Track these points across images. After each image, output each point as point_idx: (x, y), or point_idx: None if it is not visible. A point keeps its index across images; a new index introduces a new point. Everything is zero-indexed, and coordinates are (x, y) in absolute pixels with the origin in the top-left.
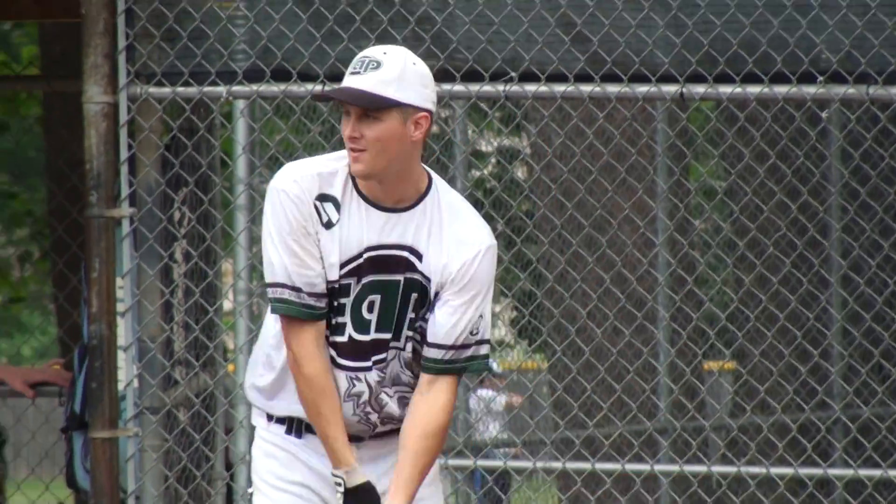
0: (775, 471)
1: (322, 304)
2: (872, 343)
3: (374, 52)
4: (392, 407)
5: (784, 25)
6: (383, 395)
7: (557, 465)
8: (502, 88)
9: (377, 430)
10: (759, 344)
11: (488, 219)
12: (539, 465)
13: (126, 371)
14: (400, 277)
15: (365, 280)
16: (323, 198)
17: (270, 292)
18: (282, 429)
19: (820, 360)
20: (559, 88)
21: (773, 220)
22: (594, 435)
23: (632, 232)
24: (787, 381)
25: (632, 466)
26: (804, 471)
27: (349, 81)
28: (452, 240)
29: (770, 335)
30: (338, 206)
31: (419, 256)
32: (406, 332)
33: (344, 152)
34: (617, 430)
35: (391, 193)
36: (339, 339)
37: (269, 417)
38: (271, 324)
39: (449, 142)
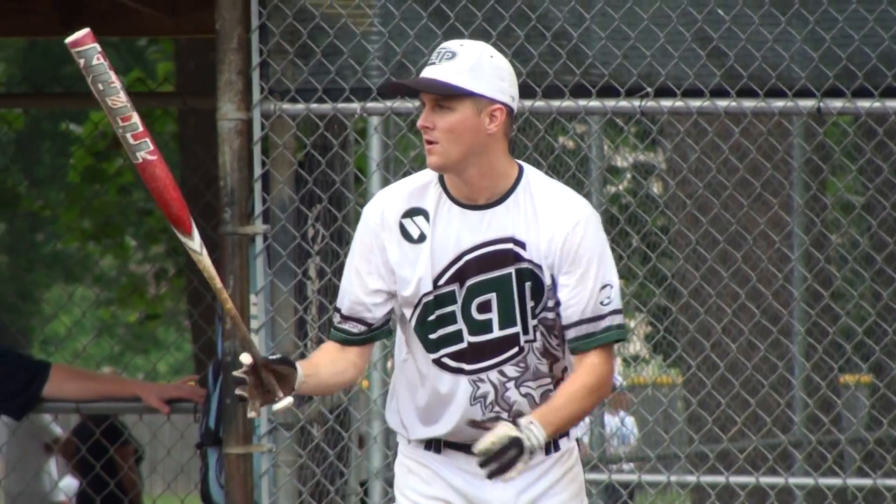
0: None
1: (355, 330)
2: None
3: (451, 43)
4: (522, 404)
5: None
6: (510, 394)
7: (692, 478)
8: (638, 104)
9: None
10: None
11: (623, 234)
12: (673, 478)
13: None
14: (510, 270)
15: (470, 282)
16: (413, 212)
17: (335, 317)
18: (421, 445)
19: None
20: (695, 104)
21: None
22: (729, 449)
23: (767, 247)
24: None
25: (766, 480)
26: None
27: (426, 72)
28: (550, 219)
29: None
30: (428, 218)
31: (522, 245)
32: (531, 323)
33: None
34: (752, 444)
35: (479, 190)
36: (456, 347)
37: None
38: (396, 352)
39: (585, 157)
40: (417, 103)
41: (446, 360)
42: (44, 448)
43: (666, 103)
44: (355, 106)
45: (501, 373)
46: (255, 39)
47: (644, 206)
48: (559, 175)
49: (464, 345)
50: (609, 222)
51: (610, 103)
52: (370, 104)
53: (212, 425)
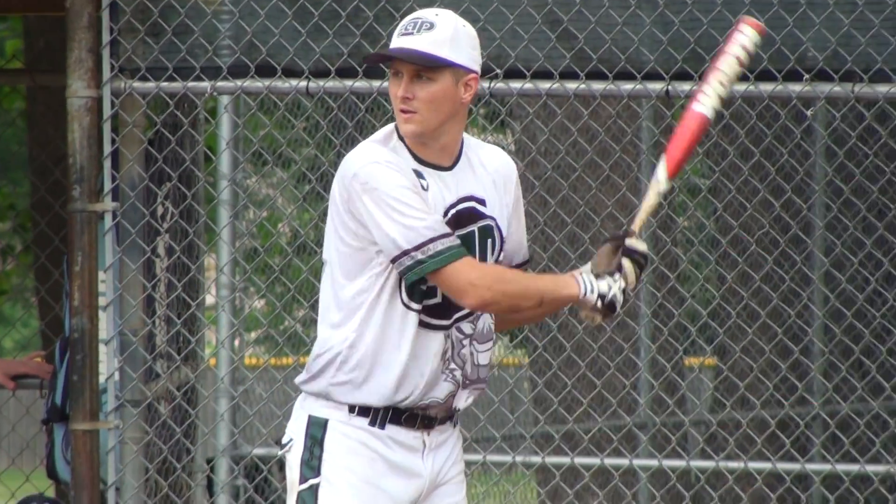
0: (754, 465)
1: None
2: (853, 340)
3: (426, 13)
4: (471, 363)
5: (770, 23)
6: (465, 351)
7: (537, 459)
8: (487, 85)
9: (457, 393)
10: (741, 340)
11: None
12: (519, 459)
13: (107, 364)
14: (473, 228)
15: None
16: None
17: (428, 250)
18: (365, 421)
19: (800, 356)
20: (544, 85)
21: (757, 218)
22: (574, 430)
23: (615, 229)
24: (767, 377)
25: (611, 461)
26: (782, 465)
27: (402, 42)
28: (495, 170)
29: (751, 332)
30: (421, 175)
31: (483, 202)
32: None
33: (383, 133)
34: (597, 426)
35: (448, 154)
36: (432, 301)
37: (352, 409)
38: (345, 325)
39: None
40: (268, 83)
41: (424, 316)
42: None
43: (515, 85)
44: (205, 85)
45: (459, 329)
46: (106, 17)
47: None
48: None
49: (438, 299)
50: None
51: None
52: (220, 83)
53: (58, 401)
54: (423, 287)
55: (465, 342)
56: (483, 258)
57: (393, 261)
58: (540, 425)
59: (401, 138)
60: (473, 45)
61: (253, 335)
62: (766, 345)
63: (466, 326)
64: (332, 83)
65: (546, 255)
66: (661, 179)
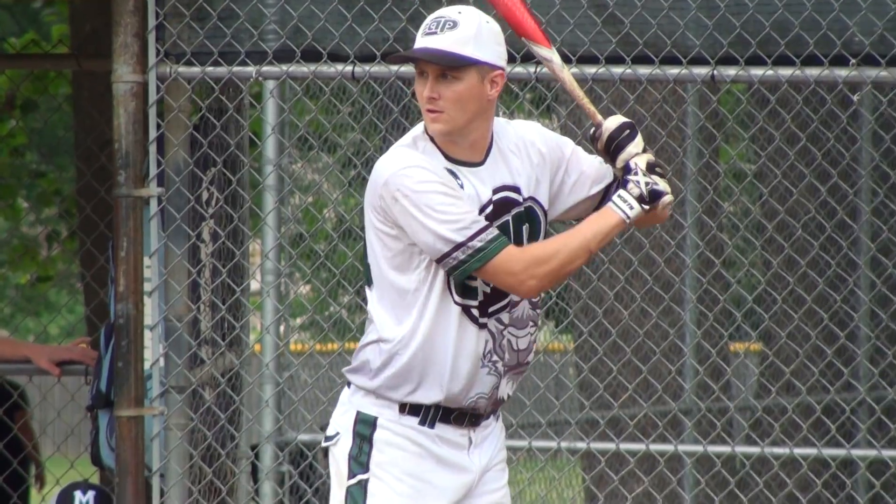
0: (799, 451)
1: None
2: None
3: (448, 11)
4: (510, 350)
5: (817, 7)
6: (504, 341)
7: (582, 445)
8: (533, 70)
9: (500, 384)
10: (786, 326)
11: None
12: (564, 445)
13: (152, 350)
14: (507, 218)
15: None
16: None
17: (468, 248)
18: (415, 420)
19: (846, 342)
20: (590, 70)
21: (803, 203)
22: (619, 416)
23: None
24: (812, 362)
25: (656, 447)
26: (828, 451)
27: (425, 42)
28: (517, 145)
29: (797, 317)
30: (456, 175)
31: (516, 190)
32: None
33: (411, 135)
34: (642, 411)
35: (478, 150)
36: (472, 301)
37: (402, 408)
38: (387, 325)
39: None
40: (313, 67)
41: (472, 311)
42: None
43: None
44: (251, 69)
45: (498, 320)
46: (152, 2)
47: None
48: None
49: (480, 297)
50: None
51: (506, 69)
52: (266, 68)
53: (103, 388)
54: (467, 283)
55: (504, 332)
56: (519, 244)
57: (437, 261)
58: (585, 411)
59: (430, 139)
60: (498, 41)
61: (298, 321)
62: (812, 330)
63: (504, 316)
64: (377, 68)
65: None
66: (547, 55)
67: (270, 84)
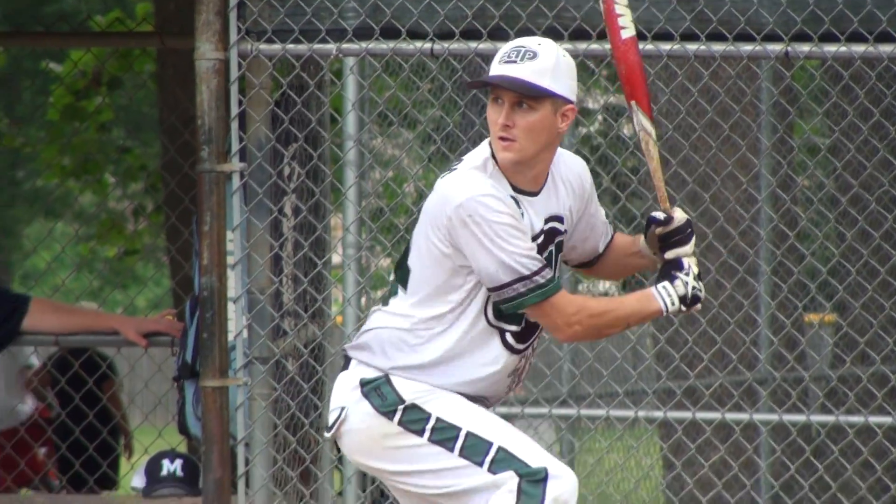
0: (874, 420)
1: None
2: None
3: (528, 42)
4: (526, 369)
5: None
6: (528, 364)
7: (659, 414)
8: (609, 47)
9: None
10: (860, 297)
11: (594, 174)
12: (641, 414)
13: (236, 322)
14: (552, 248)
15: None
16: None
17: (529, 283)
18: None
19: None
20: (665, 47)
21: (876, 177)
22: (695, 385)
23: (735, 188)
24: (887, 332)
25: (732, 416)
26: None
27: (504, 69)
28: (568, 178)
29: (871, 288)
30: (518, 203)
31: (561, 220)
32: None
33: (480, 158)
34: (717, 381)
35: (540, 180)
36: (516, 328)
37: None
38: (427, 320)
39: None
40: (392, 44)
41: (508, 335)
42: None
43: None
44: (331, 47)
45: (532, 348)
46: None
47: (615, 148)
48: None
49: (523, 325)
50: None
51: (582, 46)
52: (346, 45)
53: (189, 359)
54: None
55: (531, 356)
56: (555, 270)
57: (492, 290)
58: (662, 381)
59: (496, 165)
60: (572, 76)
61: (378, 293)
62: (886, 301)
63: (537, 342)
64: (456, 45)
65: None
66: (648, 128)
67: (350, 61)
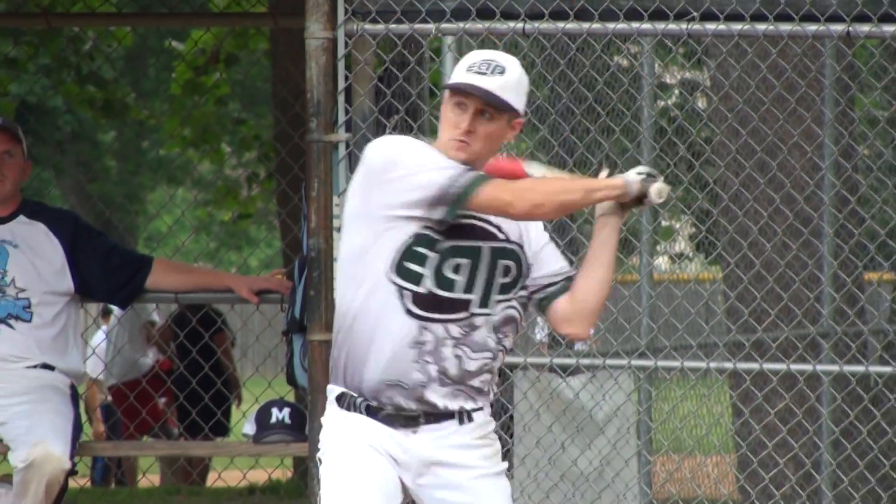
0: None
1: None
2: None
3: (497, 56)
4: (457, 366)
5: None
6: (447, 351)
7: (729, 365)
8: (685, 27)
9: (428, 386)
10: None
11: (671, 144)
12: (713, 365)
13: None
14: (481, 245)
15: (453, 244)
16: None
17: (457, 181)
18: (361, 413)
19: None
20: (736, 27)
21: None
22: (763, 338)
23: (800, 156)
24: None
25: (796, 367)
26: None
27: (475, 79)
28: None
29: None
30: None
31: (498, 228)
32: (496, 297)
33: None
34: (783, 335)
35: None
36: (414, 288)
37: (339, 399)
38: (349, 296)
39: (637, 75)
40: (487, 24)
41: (409, 303)
42: (145, 334)
43: (710, 26)
44: (431, 27)
45: (446, 329)
46: None
47: (690, 120)
48: (614, 91)
49: (422, 289)
50: (658, 133)
51: (660, 26)
52: (444, 25)
53: (297, 315)
54: (406, 267)
55: (450, 343)
56: (491, 276)
57: (432, 204)
58: (732, 334)
59: None
60: (527, 91)
61: None
62: None
63: (454, 329)
64: (545, 25)
65: (738, 180)
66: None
67: (448, 40)
